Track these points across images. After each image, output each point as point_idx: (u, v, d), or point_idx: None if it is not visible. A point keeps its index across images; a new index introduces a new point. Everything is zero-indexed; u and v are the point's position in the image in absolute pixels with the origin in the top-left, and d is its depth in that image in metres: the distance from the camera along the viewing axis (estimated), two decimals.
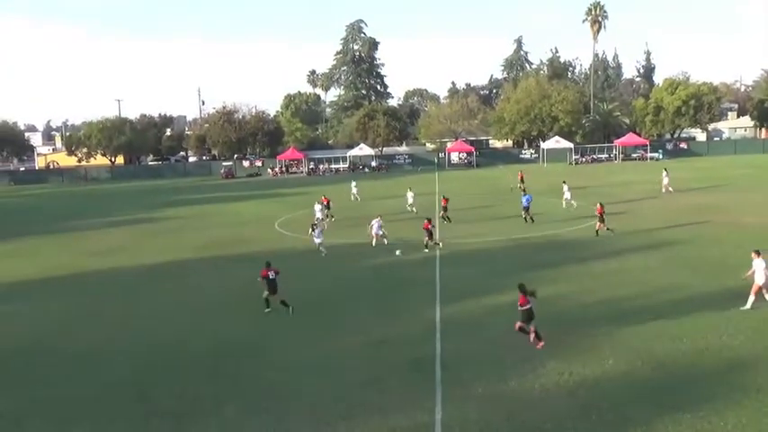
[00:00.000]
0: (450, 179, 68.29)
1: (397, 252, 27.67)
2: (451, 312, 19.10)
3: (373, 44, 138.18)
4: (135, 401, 14.07)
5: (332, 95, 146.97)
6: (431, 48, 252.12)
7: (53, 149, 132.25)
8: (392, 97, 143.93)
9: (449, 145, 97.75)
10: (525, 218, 34.84)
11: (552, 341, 15.90)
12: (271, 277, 20.01)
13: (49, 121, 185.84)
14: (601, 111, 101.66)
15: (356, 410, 13.05)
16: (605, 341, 15.97)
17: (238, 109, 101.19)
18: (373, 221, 30.82)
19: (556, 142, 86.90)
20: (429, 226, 28.95)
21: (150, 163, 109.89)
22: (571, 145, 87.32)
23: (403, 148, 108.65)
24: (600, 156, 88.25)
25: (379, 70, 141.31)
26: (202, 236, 36.24)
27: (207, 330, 18.83)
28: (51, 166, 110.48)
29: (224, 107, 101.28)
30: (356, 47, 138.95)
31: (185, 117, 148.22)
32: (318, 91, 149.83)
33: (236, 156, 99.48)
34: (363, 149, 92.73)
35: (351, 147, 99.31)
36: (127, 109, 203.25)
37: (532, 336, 15.84)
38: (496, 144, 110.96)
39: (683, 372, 14.10)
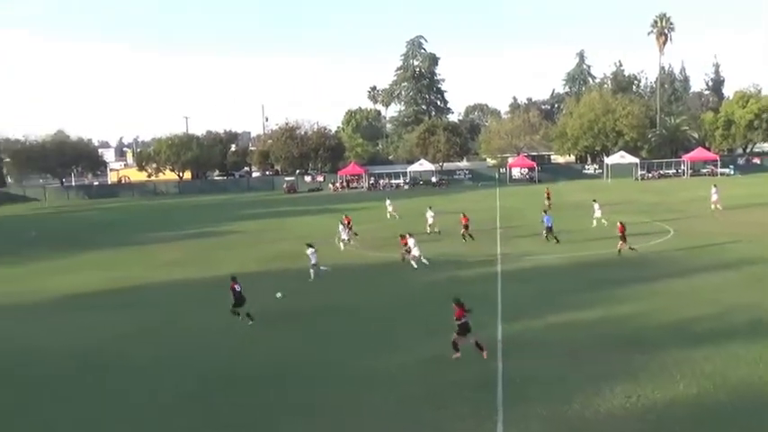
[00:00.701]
0: (510, 194, 67.59)
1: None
2: (514, 329, 18.82)
3: (433, 60, 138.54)
4: (201, 412, 14.38)
5: (392, 111, 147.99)
6: (491, 63, 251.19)
7: (125, 165, 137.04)
8: (452, 112, 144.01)
9: (510, 160, 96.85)
10: (547, 237, 33.62)
11: (620, 363, 15.48)
12: (237, 290, 20.95)
13: (121, 138, 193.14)
14: (668, 125, 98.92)
15: (415, 428, 12.97)
16: (675, 364, 15.40)
17: (301, 125, 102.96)
18: (410, 240, 30.44)
19: (621, 157, 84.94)
20: (407, 241, 29.19)
21: (216, 178, 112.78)
22: (637, 160, 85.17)
23: (463, 164, 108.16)
24: (667, 171, 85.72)
25: (439, 86, 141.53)
26: (265, 249, 36.88)
27: (268, 343, 19.10)
28: (123, 181, 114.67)
29: (287, 123, 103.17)
30: (416, 63, 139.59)
31: (249, 133, 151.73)
32: (379, 107, 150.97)
33: (298, 171, 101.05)
34: (423, 165, 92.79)
35: (411, 162, 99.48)
36: (194, 125, 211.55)
37: (467, 347, 16.21)
38: (558, 159, 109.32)
39: (759, 398, 13.47)
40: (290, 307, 23.13)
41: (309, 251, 27.52)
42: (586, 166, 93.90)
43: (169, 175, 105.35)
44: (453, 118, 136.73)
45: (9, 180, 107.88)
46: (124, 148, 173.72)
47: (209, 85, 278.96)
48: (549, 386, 14.53)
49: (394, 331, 19.70)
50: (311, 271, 27.38)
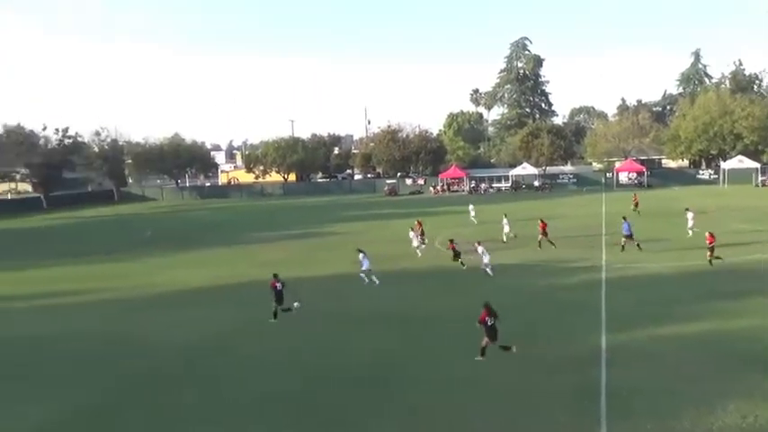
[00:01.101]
0: (617, 200, 65.06)
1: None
2: (618, 339, 18.10)
3: (538, 61, 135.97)
4: (300, 409, 14.73)
5: (495, 114, 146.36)
6: (598, 63, 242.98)
7: (234, 167, 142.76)
8: (557, 115, 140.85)
9: (617, 164, 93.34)
10: (623, 246, 32.16)
11: (732, 380, 14.57)
12: (279, 288, 21.79)
13: (231, 141, 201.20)
14: None
15: None
16: None
17: (402, 128, 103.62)
18: (477, 245, 30.07)
19: (739, 162, 79.89)
20: (454, 247, 30.32)
21: (319, 180, 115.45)
22: (757, 165, 79.83)
23: (568, 168, 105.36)
24: None
25: (543, 88, 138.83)
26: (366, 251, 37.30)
27: (368, 343, 19.31)
28: (232, 182, 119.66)
29: (389, 126, 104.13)
30: (520, 64, 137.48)
31: (352, 136, 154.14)
32: (481, 109, 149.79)
33: (399, 174, 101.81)
34: (526, 168, 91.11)
35: (513, 166, 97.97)
36: (299, 129, 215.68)
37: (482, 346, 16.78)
38: (670, 164, 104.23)
39: None
40: (389, 309, 23.33)
41: (360, 256, 28.06)
42: (700, 171, 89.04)
43: (275, 176, 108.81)
44: (558, 120, 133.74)
45: (130, 180, 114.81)
46: (234, 151, 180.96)
47: (315, 89, 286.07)
48: (656, 400, 13.89)
49: (501, 337, 19.36)
50: (362, 275, 27.74)
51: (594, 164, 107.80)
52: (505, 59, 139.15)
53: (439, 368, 16.78)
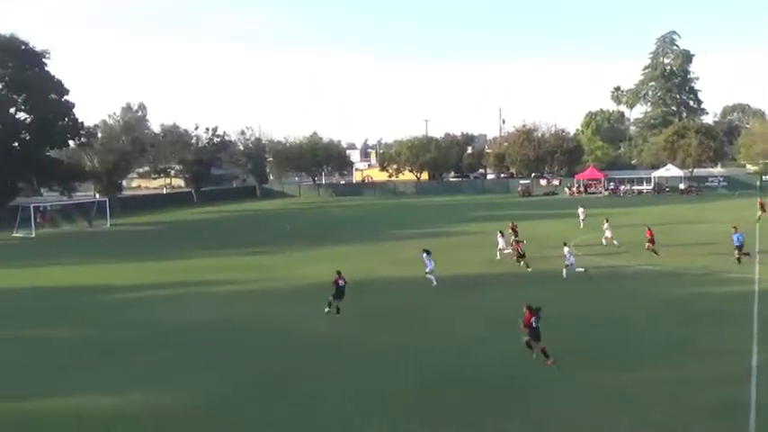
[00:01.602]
0: None
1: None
2: None
3: (687, 57, 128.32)
4: (424, 405, 14.85)
5: (637, 112, 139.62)
6: (756, 58, 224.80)
7: (368, 165, 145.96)
8: (706, 113, 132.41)
9: None
10: (739, 258, 29.72)
11: None
12: (340, 285, 22.76)
13: (366, 140, 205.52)
14: None
15: None
16: None
17: (538, 127, 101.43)
18: (565, 249, 29.22)
19: None
20: (519, 247, 31.35)
21: (451, 179, 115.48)
22: None
23: (717, 170, 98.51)
24: None
25: (692, 85, 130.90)
26: (493, 252, 36.96)
27: (493, 345, 19.08)
28: (366, 181, 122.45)
29: (524, 125, 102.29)
30: (667, 60, 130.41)
31: (485, 135, 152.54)
32: (622, 108, 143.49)
33: (533, 174, 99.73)
34: (671, 170, 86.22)
35: (656, 167, 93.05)
36: (433, 128, 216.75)
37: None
38: None
39: None
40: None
41: (424, 256, 28.09)
42: None
43: (408, 175, 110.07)
44: (708, 119, 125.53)
45: (270, 177, 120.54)
46: (368, 150, 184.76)
47: (450, 89, 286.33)
48: None
49: (634, 346, 18.60)
50: (429, 277, 27.85)
51: (749, 166, 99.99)
52: (651, 55, 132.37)
53: (570, 377, 16.27)
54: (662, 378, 15.72)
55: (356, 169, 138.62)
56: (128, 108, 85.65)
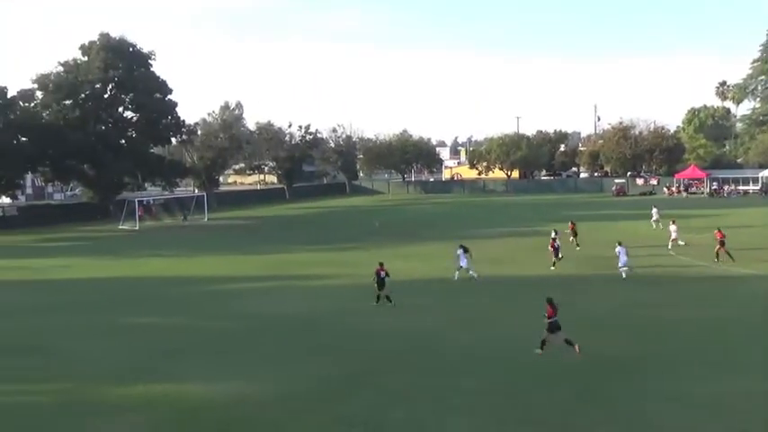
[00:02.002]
0: None
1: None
2: None
3: None
4: (507, 405, 14.75)
5: (744, 109, 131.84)
6: None
7: (458, 163, 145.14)
8: None
9: None
10: None
11: None
12: (381, 276, 23.75)
13: (456, 138, 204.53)
14: None
15: None
16: None
17: (635, 124, 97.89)
18: (618, 248, 28.45)
19: None
20: (554, 244, 31.58)
21: (543, 177, 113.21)
22: None
23: None
24: None
25: None
26: (586, 252, 36.05)
27: (591, 347, 18.38)
28: (455, 178, 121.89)
29: (620, 123, 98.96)
30: None
31: (579, 133, 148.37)
32: (728, 104, 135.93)
33: (629, 173, 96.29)
34: None
35: (764, 167, 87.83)
36: (525, 125, 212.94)
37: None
38: None
39: None
40: (612, 313, 22.39)
41: (459, 251, 28.44)
42: None
43: (498, 173, 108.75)
44: None
45: (360, 174, 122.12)
46: (458, 147, 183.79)
47: (542, 86, 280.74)
48: None
49: (734, 353, 17.87)
50: (472, 273, 28.48)
51: None
52: (761, 48, 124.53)
53: (672, 381, 15.73)
54: (765, 388, 14.99)
55: (445, 167, 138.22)
56: (226, 107, 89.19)
